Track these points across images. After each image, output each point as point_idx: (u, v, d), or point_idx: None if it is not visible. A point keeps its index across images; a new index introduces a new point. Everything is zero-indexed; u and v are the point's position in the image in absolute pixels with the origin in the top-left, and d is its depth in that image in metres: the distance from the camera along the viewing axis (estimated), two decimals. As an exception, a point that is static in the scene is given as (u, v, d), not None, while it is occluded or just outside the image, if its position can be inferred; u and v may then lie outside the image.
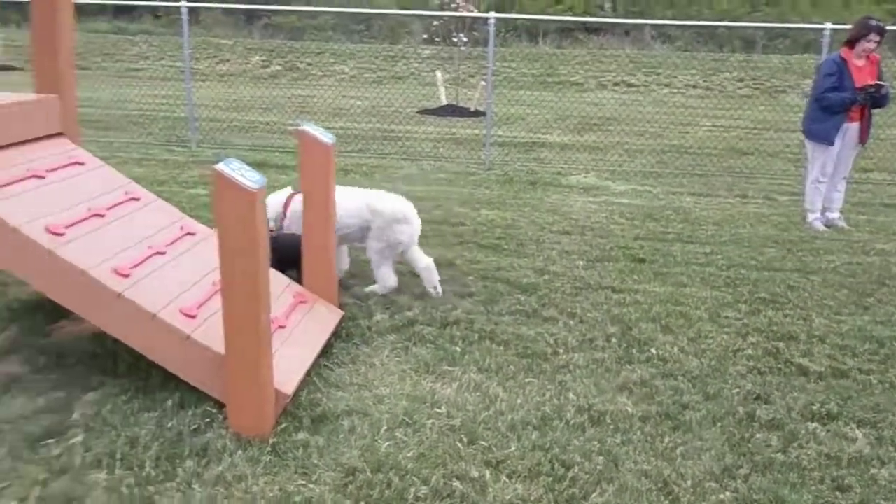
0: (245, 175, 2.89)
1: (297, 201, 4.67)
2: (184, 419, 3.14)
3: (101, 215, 3.60)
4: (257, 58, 20.85)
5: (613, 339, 4.17)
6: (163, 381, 3.39)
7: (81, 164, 3.93)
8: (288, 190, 4.91)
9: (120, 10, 25.91)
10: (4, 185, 3.34)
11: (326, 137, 4.01)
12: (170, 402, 3.26)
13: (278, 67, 19.88)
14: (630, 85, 18.41)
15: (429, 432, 3.16)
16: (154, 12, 27.69)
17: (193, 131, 9.71)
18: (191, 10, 9.37)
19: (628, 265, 5.46)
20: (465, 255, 5.50)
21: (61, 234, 3.28)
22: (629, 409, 3.42)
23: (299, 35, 26.42)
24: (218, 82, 17.00)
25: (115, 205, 3.75)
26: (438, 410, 3.33)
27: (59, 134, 4.02)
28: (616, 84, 18.53)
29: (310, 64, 20.38)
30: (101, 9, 24.49)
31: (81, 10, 22.53)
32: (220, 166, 2.87)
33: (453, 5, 13.97)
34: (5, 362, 3.64)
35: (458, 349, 3.95)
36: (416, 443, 3.08)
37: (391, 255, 4.69)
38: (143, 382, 3.43)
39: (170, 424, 3.11)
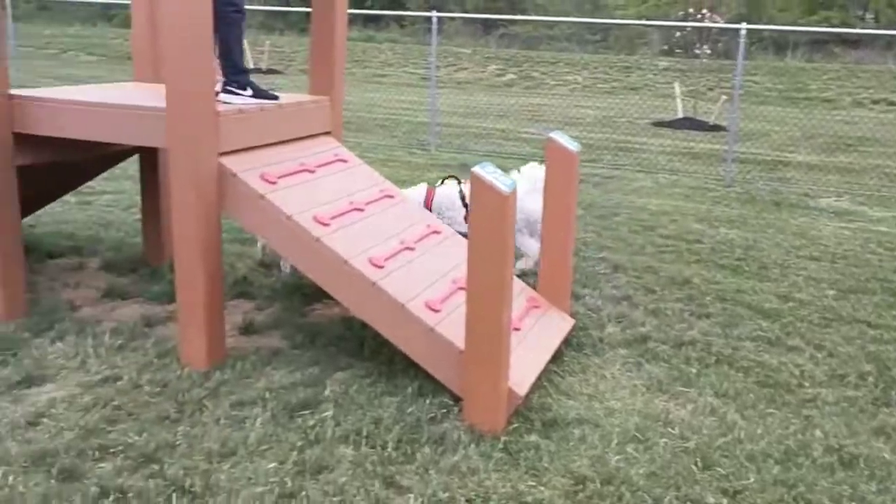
0: (498, 179, 2.99)
1: (441, 195, 5.10)
2: (422, 407, 3.30)
3: (361, 210, 3.88)
4: (493, 66, 21.40)
5: (869, 378, 3.83)
6: (404, 368, 3.59)
7: (345, 161, 4.25)
8: (424, 186, 5.20)
9: (369, 20, 27.72)
10: (282, 177, 3.70)
11: (572, 146, 4.04)
12: (410, 389, 3.44)
13: (513, 76, 20.27)
14: (892, 103, 16.75)
15: (661, 451, 3.08)
16: (400, 22, 29.41)
17: (433, 136, 10.17)
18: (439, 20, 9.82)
19: (887, 299, 4.98)
20: (702, 274, 5.29)
21: (327, 225, 3.57)
22: (886, 456, 3.13)
23: (535, 44, 26.83)
24: (455, 89, 17.65)
25: (372, 201, 4.02)
26: (671, 430, 3.24)
27: (327, 133, 4.37)
28: (875, 102, 16.95)
29: (544, 73, 20.59)
30: (353, 18, 26.40)
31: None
32: (477, 169, 2.99)
33: (698, 16, 13.48)
34: (269, 336, 4.03)
35: (693, 370, 3.82)
36: (647, 460, 3.01)
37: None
38: (387, 367, 3.65)
39: (409, 410, 3.28)
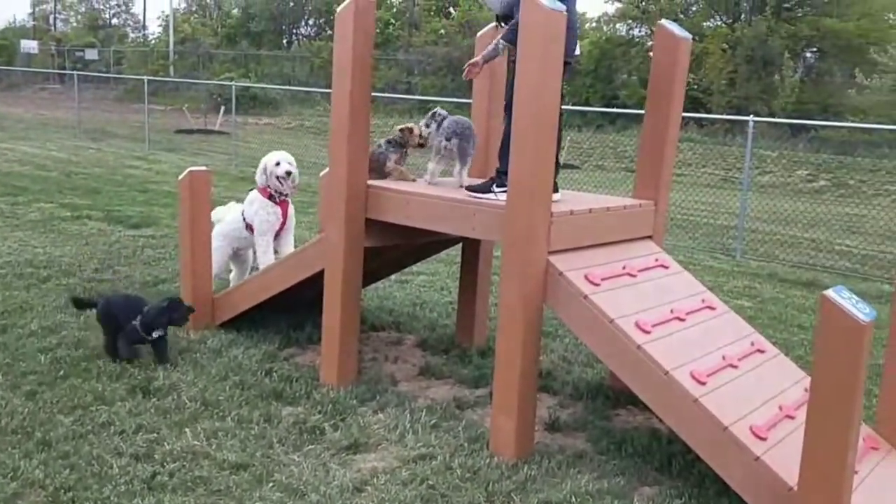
0: (857, 306, 2.73)
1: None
2: (739, 542, 3.05)
3: (682, 319, 3.76)
4: (802, 171, 20.15)
5: None
6: (717, 492, 3.36)
7: (665, 267, 4.18)
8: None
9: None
10: (605, 279, 3.71)
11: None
12: (724, 519, 3.20)
13: (824, 182, 18.92)
14: None
15: None
16: (699, 122, 28.88)
17: (739, 241, 9.72)
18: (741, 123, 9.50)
19: None
20: None
21: (648, 332, 3.50)
22: None
23: (850, 150, 24.87)
24: (759, 193, 16.81)
25: (693, 311, 3.89)
26: None
27: (649, 237, 4.34)
28: None
29: (861, 181, 18.96)
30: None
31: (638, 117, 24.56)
32: (830, 293, 2.77)
33: None
34: (573, 437, 4.00)
35: None
36: None
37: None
38: (697, 490, 3.44)
39: (725, 543, 3.04)
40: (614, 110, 24.80)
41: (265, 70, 38.85)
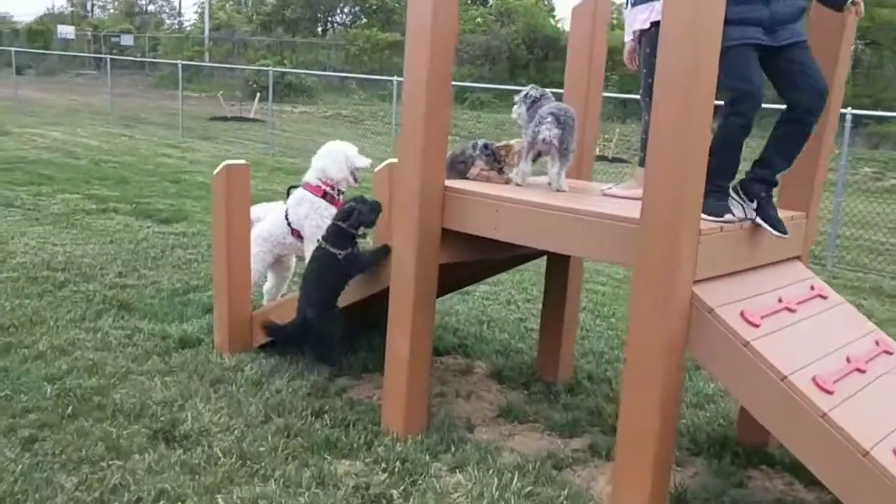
0: None
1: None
2: None
3: (862, 370, 2.88)
4: (868, 168, 18.96)
5: None
6: None
7: (824, 297, 3.30)
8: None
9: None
10: (764, 316, 2.84)
11: None
12: None
13: (894, 181, 17.73)
14: None
15: None
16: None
17: (831, 249, 8.74)
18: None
19: None
20: None
21: (830, 392, 2.63)
22: None
23: (912, 145, 23.56)
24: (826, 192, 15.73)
25: (871, 358, 3.00)
26: None
27: (797, 258, 3.46)
28: None
29: (937, 180, 17.78)
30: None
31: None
32: None
33: None
34: (707, 513, 3.15)
35: None
36: None
37: None
38: None
39: None
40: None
41: (300, 58, 38.19)
